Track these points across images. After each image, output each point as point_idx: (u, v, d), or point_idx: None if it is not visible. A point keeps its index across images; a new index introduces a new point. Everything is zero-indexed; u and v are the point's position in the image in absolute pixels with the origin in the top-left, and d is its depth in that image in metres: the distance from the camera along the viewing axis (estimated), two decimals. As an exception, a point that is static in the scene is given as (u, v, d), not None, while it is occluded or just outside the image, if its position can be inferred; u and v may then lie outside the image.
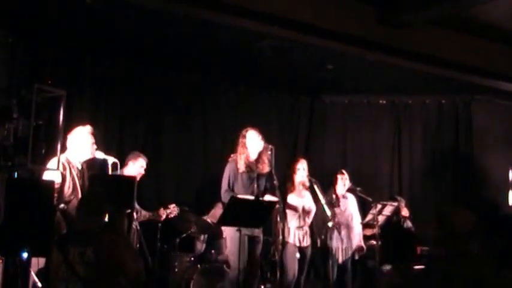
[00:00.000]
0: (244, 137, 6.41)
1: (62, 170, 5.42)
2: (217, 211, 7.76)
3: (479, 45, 7.65)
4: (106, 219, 3.98)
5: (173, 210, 6.97)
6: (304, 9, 6.34)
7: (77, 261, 3.81)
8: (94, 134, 5.91)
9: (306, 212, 6.85)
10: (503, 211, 8.78)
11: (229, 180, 6.33)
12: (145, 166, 6.77)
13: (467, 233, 2.81)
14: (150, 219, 6.91)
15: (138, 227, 6.52)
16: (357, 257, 7.37)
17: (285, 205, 6.56)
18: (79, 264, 3.80)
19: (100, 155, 5.96)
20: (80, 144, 5.78)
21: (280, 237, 6.33)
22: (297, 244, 6.72)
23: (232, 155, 6.48)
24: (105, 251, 3.81)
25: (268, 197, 6.34)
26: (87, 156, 5.87)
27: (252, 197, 6.25)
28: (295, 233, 6.73)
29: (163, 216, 6.94)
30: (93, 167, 6.23)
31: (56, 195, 4.98)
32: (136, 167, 6.69)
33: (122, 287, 3.85)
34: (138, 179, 6.28)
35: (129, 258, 3.88)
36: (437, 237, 2.87)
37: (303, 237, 6.81)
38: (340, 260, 7.10)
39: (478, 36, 7.53)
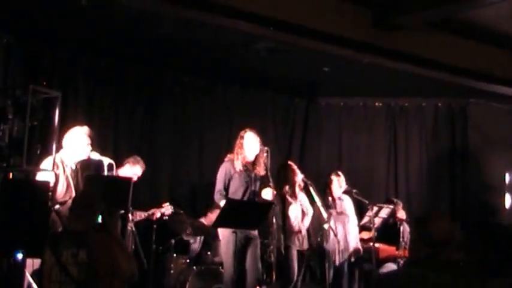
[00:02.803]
0: (242, 138, 6.41)
1: (55, 169, 5.40)
2: (214, 216, 7.76)
3: (476, 48, 7.65)
4: (99, 220, 3.98)
5: (167, 208, 6.97)
6: (300, 11, 6.33)
7: (70, 263, 3.80)
8: (91, 136, 5.90)
9: (303, 215, 6.85)
10: (495, 219, 8.77)
11: (224, 180, 6.33)
12: (139, 174, 6.77)
13: (444, 241, 2.83)
14: (146, 219, 6.89)
15: (134, 229, 6.52)
16: (352, 259, 7.36)
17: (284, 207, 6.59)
18: (72, 266, 3.79)
19: (96, 155, 5.95)
20: (75, 145, 5.78)
21: (275, 240, 6.32)
22: (297, 247, 6.73)
23: (228, 155, 6.49)
24: (98, 252, 3.80)
25: (266, 191, 6.34)
26: (82, 157, 5.86)
27: (246, 199, 6.27)
28: (294, 235, 6.74)
29: (158, 215, 6.92)
30: (88, 167, 6.22)
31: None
32: (132, 172, 6.69)
33: (114, 288, 3.85)
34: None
35: (122, 259, 3.87)
36: (415, 244, 2.89)
37: (302, 240, 6.80)
38: (336, 262, 7.10)
39: (474, 39, 7.53)
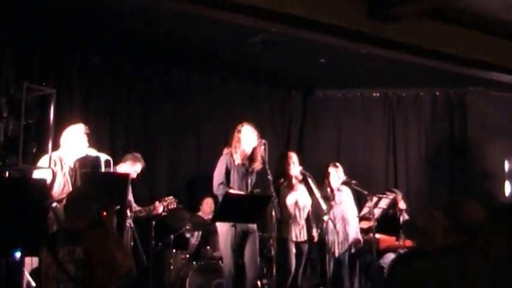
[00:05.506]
0: (240, 131, 6.39)
1: (53, 166, 5.39)
2: (206, 207, 7.75)
3: (473, 36, 7.62)
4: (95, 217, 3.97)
5: (171, 202, 6.95)
6: (296, 3, 6.30)
7: (67, 260, 3.79)
8: (87, 134, 5.89)
9: (301, 207, 6.82)
10: (501, 201, 8.78)
11: (224, 173, 6.26)
12: (139, 171, 6.76)
13: (478, 226, 2.74)
14: (148, 215, 6.87)
15: (132, 225, 6.50)
16: (353, 250, 7.34)
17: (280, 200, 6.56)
18: (69, 263, 3.78)
19: (93, 152, 5.93)
20: (74, 142, 5.76)
21: (274, 233, 6.30)
22: (293, 239, 6.69)
23: (226, 149, 6.46)
24: (95, 249, 3.79)
25: None
26: (80, 154, 5.85)
27: (245, 192, 6.25)
28: (291, 227, 6.70)
29: (160, 209, 6.90)
30: (85, 164, 6.21)
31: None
32: (133, 169, 6.68)
33: (112, 285, 3.83)
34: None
35: (120, 256, 3.85)
36: (446, 232, 2.79)
37: (299, 232, 6.77)
38: (336, 254, 7.08)
39: (471, 27, 7.50)
